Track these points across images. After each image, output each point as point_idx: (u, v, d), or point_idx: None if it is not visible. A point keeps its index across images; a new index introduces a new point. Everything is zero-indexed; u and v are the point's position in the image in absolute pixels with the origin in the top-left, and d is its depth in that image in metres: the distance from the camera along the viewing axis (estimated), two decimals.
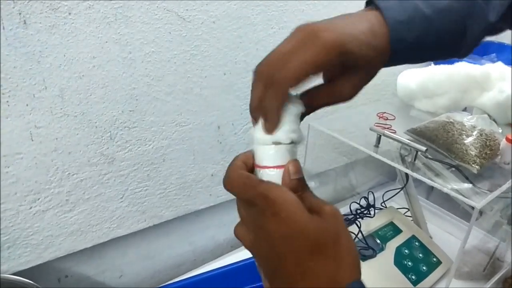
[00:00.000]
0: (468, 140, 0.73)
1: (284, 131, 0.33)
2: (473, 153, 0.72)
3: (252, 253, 0.34)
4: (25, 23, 0.54)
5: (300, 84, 0.33)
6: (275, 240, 0.30)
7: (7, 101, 0.57)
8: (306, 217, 0.30)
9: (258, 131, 0.34)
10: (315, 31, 0.33)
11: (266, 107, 0.33)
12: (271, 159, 0.34)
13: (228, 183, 0.33)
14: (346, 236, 0.31)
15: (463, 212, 1.05)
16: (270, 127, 0.34)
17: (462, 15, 0.35)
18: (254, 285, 0.79)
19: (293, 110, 0.34)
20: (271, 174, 0.33)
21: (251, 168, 0.35)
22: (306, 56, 0.32)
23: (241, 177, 0.33)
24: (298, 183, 0.33)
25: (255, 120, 0.35)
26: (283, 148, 0.34)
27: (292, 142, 0.34)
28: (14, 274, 0.65)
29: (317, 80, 0.36)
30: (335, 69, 0.35)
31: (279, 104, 0.33)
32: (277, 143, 0.34)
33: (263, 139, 0.34)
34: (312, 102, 0.36)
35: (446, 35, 0.36)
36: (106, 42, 0.62)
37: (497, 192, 0.68)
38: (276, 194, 0.30)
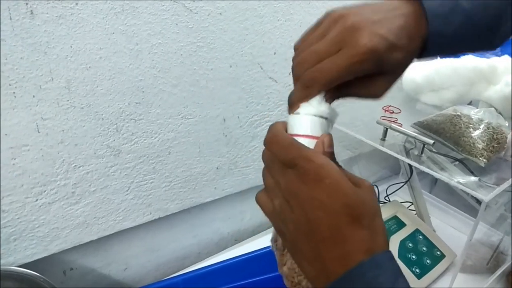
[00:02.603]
0: (476, 133, 0.73)
1: (315, 105, 0.34)
2: (480, 146, 0.72)
3: (273, 220, 0.35)
4: (32, 13, 0.54)
5: (331, 86, 0.34)
6: (314, 206, 0.30)
7: (14, 92, 0.56)
8: (350, 186, 0.31)
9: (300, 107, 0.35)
10: (352, 31, 0.33)
11: (293, 100, 0.36)
12: (302, 128, 0.34)
13: (273, 141, 0.33)
14: (380, 210, 0.32)
15: (466, 205, 1.05)
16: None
17: (498, 10, 0.36)
18: (259, 278, 0.79)
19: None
20: (301, 142, 0.34)
21: None
22: (341, 61, 0.33)
23: (287, 137, 0.33)
24: (332, 158, 0.34)
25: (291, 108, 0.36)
26: (315, 119, 0.34)
27: (322, 117, 0.35)
28: (20, 266, 0.65)
29: None
30: (365, 74, 0.35)
31: (307, 99, 0.35)
32: (308, 114, 0.34)
33: (297, 111, 0.35)
34: (341, 91, 0.36)
35: (482, 30, 0.36)
36: (113, 33, 0.61)
37: (504, 186, 0.68)
38: (323, 160, 0.31)
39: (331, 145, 0.34)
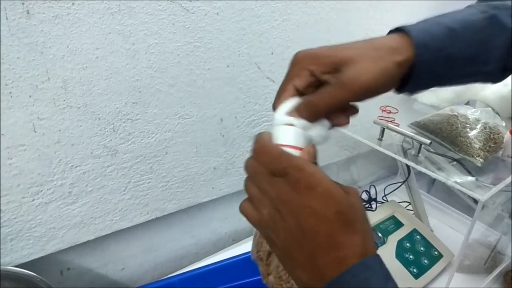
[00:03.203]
0: (472, 133, 0.73)
1: (285, 108, 0.36)
2: (477, 146, 0.72)
3: (261, 229, 0.35)
4: (28, 13, 0.54)
5: (288, 98, 0.38)
6: (307, 214, 0.31)
7: (10, 92, 0.56)
8: (341, 193, 0.31)
9: (278, 112, 0.37)
10: (295, 54, 0.37)
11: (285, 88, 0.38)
12: (287, 138, 0.35)
13: (262, 151, 0.34)
14: (367, 217, 0.33)
15: (464, 205, 1.05)
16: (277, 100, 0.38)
17: (482, 24, 0.37)
18: (256, 278, 0.79)
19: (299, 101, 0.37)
20: (286, 150, 0.34)
21: None
22: (285, 76, 0.37)
23: (276, 147, 0.34)
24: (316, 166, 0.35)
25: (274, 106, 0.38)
26: (300, 131, 0.35)
27: (306, 129, 0.36)
28: (16, 266, 0.65)
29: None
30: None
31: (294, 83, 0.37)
32: (289, 124, 0.35)
33: (279, 120, 0.36)
34: (316, 100, 0.37)
35: (470, 45, 0.37)
36: (110, 33, 0.61)
37: (501, 185, 0.68)
38: (314, 168, 0.32)
39: (315, 156, 0.35)
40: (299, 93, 0.37)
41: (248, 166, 0.35)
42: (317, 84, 0.37)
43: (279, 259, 0.35)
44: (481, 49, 0.37)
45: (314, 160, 0.35)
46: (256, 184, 0.34)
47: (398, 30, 0.38)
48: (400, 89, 0.39)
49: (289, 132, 0.35)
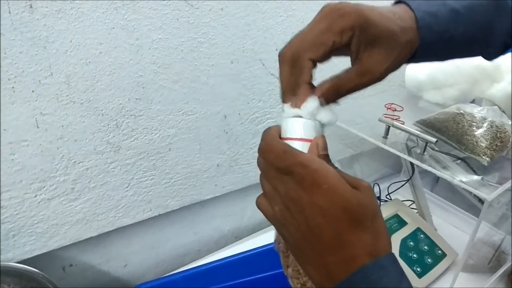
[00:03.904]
0: (479, 132, 0.72)
1: (309, 107, 0.34)
2: (483, 144, 0.71)
3: (275, 224, 0.34)
4: (31, 7, 0.53)
5: (323, 55, 0.33)
6: (315, 212, 0.30)
7: (13, 87, 0.56)
8: (348, 189, 0.30)
9: (287, 105, 0.35)
10: (336, 5, 0.33)
11: (292, 83, 0.35)
12: (295, 131, 0.34)
13: (264, 150, 0.33)
14: (380, 211, 0.32)
15: (468, 204, 1.04)
16: (296, 101, 0.35)
17: (488, 8, 0.37)
18: (259, 276, 0.79)
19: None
20: (297, 146, 0.33)
21: None
22: (322, 26, 0.33)
23: (281, 144, 0.33)
24: (326, 159, 0.33)
25: (284, 102, 0.36)
26: (308, 122, 0.34)
27: (317, 120, 0.35)
28: (19, 262, 0.64)
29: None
30: (357, 44, 0.34)
31: (303, 78, 0.34)
32: (299, 116, 0.34)
33: (288, 113, 0.35)
34: (341, 84, 0.36)
35: (474, 29, 0.37)
36: (113, 28, 0.61)
37: (507, 185, 0.67)
38: (319, 164, 0.31)
39: (325, 147, 0.34)
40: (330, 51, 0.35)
41: (259, 163, 0.35)
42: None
43: (293, 254, 0.35)
44: (484, 32, 0.37)
45: (324, 152, 0.34)
46: (268, 180, 0.34)
47: (403, 2, 0.37)
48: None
49: (297, 124, 0.34)
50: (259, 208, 0.35)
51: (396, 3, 0.38)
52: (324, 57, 0.34)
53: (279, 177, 0.32)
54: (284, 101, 0.36)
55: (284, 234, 0.34)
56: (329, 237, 0.30)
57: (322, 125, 0.35)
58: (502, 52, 0.41)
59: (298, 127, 0.34)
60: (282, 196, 0.32)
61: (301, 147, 0.33)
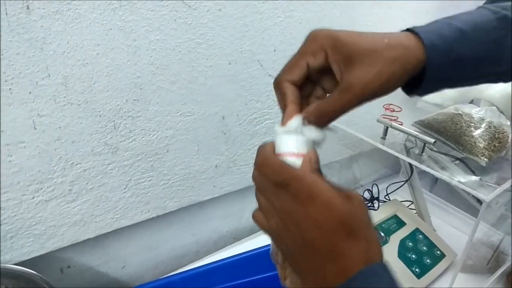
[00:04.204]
0: (477, 132, 0.72)
1: (292, 124, 0.36)
2: (481, 145, 0.71)
3: (271, 237, 0.36)
4: (28, 8, 0.53)
5: (300, 77, 0.36)
6: (309, 225, 0.31)
7: (10, 89, 0.56)
8: (341, 202, 0.31)
9: (277, 124, 0.38)
10: (312, 32, 0.36)
11: (282, 105, 0.38)
12: (288, 146, 0.35)
13: (263, 164, 0.34)
14: (370, 220, 0.33)
15: (466, 205, 1.04)
16: (284, 119, 0.37)
17: (496, 25, 0.36)
18: (257, 277, 0.79)
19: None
20: (289, 161, 0.35)
21: None
22: (299, 51, 0.36)
23: (277, 160, 0.34)
24: (318, 173, 0.34)
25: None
26: (299, 138, 0.36)
27: (306, 134, 0.37)
28: (16, 264, 0.64)
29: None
30: (337, 63, 0.35)
31: (287, 99, 0.37)
32: (289, 132, 0.36)
33: (278, 130, 0.37)
34: (326, 105, 0.36)
35: (482, 46, 0.36)
36: (111, 29, 0.60)
37: (505, 185, 0.67)
38: (313, 178, 0.32)
39: (317, 161, 0.35)
40: (308, 72, 0.37)
41: (254, 178, 0.36)
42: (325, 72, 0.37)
43: (290, 265, 0.36)
44: (492, 49, 0.37)
45: (316, 165, 0.35)
46: (263, 195, 0.35)
47: (408, 30, 0.37)
48: (411, 91, 0.39)
49: (290, 140, 0.36)
50: (255, 221, 0.36)
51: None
52: (303, 78, 0.37)
53: (274, 191, 0.33)
54: (281, 79, 0.38)
55: (281, 247, 0.35)
56: (325, 249, 0.31)
57: (312, 142, 0.37)
58: None
59: (291, 142, 0.36)
60: (278, 210, 0.33)
61: (293, 162, 0.35)
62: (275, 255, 0.42)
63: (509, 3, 0.38)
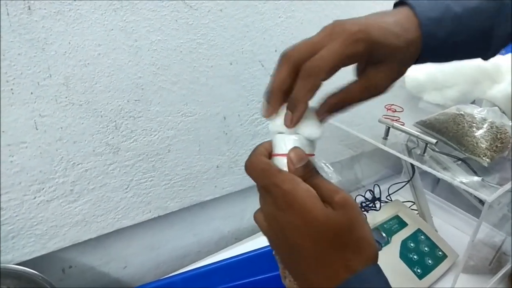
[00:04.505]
0: (479, 133, 0.72)
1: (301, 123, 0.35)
2: (483, 145, 0.71)
3: (267, 240, 0.35)
4: (29, 9, 0.53)
5: (330, 75, 0.33)
6: (289, 230, 0.31)
7: (11, 89, 0.56)
8: (318, 208, 0.30)
9: (278, 119, 0.35)
10: (342, 24, 0.33)
11: (297, 97, 0.33)
12: (280, 147, 0.34)
13: (248, 167, 0.34)
14: (360, 223, 0.31)
15: (468, 205, 1.04)
16: (295, 119, 0.34)
17: (490, 14, 0.37)
18: (258, 277, 0.79)
19: (311, 107, 0.35)
20: (282, 162, 0.34)
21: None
22: (335, 46, 0.32)
23: (261, 163, 0.33)
24: (304, 171, 0.33)
25: (268, 103, 0.35)
26: (288, 138, 0.34)
27: (300, 134, 0.35)
28: (18, 264, 0.64)
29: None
30: (365, 61, 0.35)
31: (310, 96, 0.33)
32: (280, 132, 0.35)
33: (276, 128, 0.35)
34: (347, 97, 0.36)
35: (476, 34, 0.38)
36: (112, 29, 0.61)
37: (508, 186, 0.67)
38: (289, 185, 0.31)
39: (299, 159, 0.33)
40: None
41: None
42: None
43: (285, 267, 0.36)
44: (485, 37, 0.38)
45: (299, 164, 0.33)
46: (260, 195, 0.35)
47: (404, 3, 0.38)
48: None
49: (281, 140, 0.35)
50: (255, 221, 0.36)
51: (398, 3, 0.39)
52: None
53: (263, 194, 0.33)
54: (264, 113, 0.35)
55: (274, 247, 0.35)
56: (308, 256, 0.31)
57: (310, 140, 0.35)
58: (498, 52, 0.42)
59: (282, 142, 0.34)
60: (266, 214, 0.33)
61: (284, 163, 0.34)
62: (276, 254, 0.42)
63: None
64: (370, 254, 0.31)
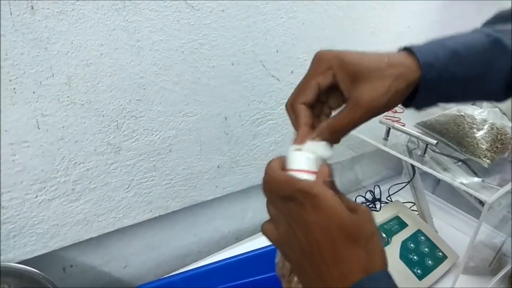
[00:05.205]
0: (479, 134, 0.72)
1: (309, 147, 0.38)
2: (484, 146, 0.71)
3: (279, 246, 0.38)
4: (32, 8, 0.53)
5: (312, 98, 0.39)
6: (313, 230, 0.33)
7: (14, 88, 0.56)
8: (344, 210, 0.33)
9: (292, 143, 0.40)
10: (319, 53, 0.38)
11: (296, 126, 0.40)
12: (299, 164, 0.38)
13: (270, 181, 0.36)
14: (377, 233, 0.35)
15: (469, 206, 1.04)
16: (297, 140, 0.39)
17: (486, 46, 0.38)
18: (259, 277, 0.79)
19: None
20: (298, 174, 0.37)
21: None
22: (308, 73, 0.39)
23: (283, 175, 0.36)
24: (331, 186, 0.36)
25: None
26: (310, 157, 0.38)
27: (315, 152, 0.39)
28: (19, 263, 0.65)
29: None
30: (344, 82, 0.37)
31: (300, 121, 0.39)
32: (300, 150, 0.38)
33: (291, 148, 0.39)
34: (336, 123, 0.38)
35: (474, 66, 0.38)
36: (114, 29, 0.61)
37: (508, 187, 0.67)
38: (318, 189, 0.33)
39: (330, 175, 0.37)
40: (319, 92, 0.39)
41: (264, 192, 0.38)
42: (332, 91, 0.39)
43: (295, 272, 0.38)
44: (484, 70, 0.39)
45: (329, 178, 0.36)
46: (273, 205, 0.37)
47: (405, 49, 0.39)
48: (406, 105, 0.41)
49: (300, 158, 0.38)
50: (264, 233, 0.38)
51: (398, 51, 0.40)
52: (315, 99, 0.39)
53: (283, 202, 0.35)
54: (294, 100, 0.40)
55: (288, 254, 0.36)
56: (326, 253, 0.32)
57: (322, 160, 0.39)
58: (508, 92, 0.41)
59: (301, 160, 0.38)
60: (286, 217, 0.35)
61: (305, 177, 0.37)
62: (280, 269, 0.43)
63: (502, 27, 0.40)
64: (384, 260, 0.34)
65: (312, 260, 0.33)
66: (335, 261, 0.32)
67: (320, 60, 0.38)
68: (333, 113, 0.41)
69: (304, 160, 0.38)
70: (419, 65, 0.37)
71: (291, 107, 0.40)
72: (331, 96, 0.40)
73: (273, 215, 0.37)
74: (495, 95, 0.41)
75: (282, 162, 0.38)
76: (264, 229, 0.38)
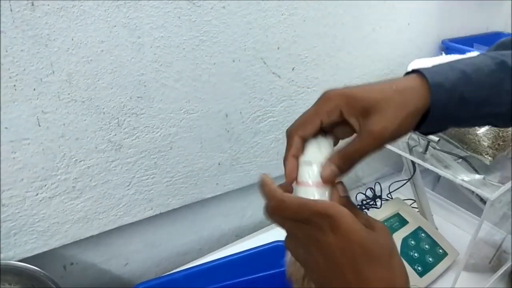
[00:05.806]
0: (481, 131, 0.72)
1: (317, 156, 0.38)
2: (485, 144, 0.71)
3: (302, 265, 0.37)
4: (32, 5, 0.53)
5: (311, 133, 0.39)
6: (334, 252, 0.32)
7: (14, 85, 0.56)
8: (363, 230, 0.33)
9: (308, 153, 0.39)
10: (325, 93, 0.38)
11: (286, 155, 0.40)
12: (311, 177, 0.37)
13: (281, 208, 0.35)
14: (396, 249, 0.34)
15: (469, 203, 1.04)
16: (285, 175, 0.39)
17: (494, 68, 0.38)
18: (259, 274, 0.79)
19: (325, 142, 0.39)
20: (309, 190, 0.37)
21: (284, 188, 0.38)
22: (312, 109, 0.39)
23: (294, 199, 0.35)
24: (346, 201, 0.36)
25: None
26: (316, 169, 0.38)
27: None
28: (19, 260, 0.64)
29: None
30: (354, 117, 0.37)
31: (290, 152, 0.39)
32: (309, 163, 0.38)
33: (304, 161, 0.39)
34: (349, 154, 0.38)
35: (483, 88, 0.38)
36: (115, 26, 0.60)
37: (509, 184, 0.67)
38: (335, 209, 0.33)
39: (345, 191, 0.37)
40: (321, 129, 0.39)
41: (271, 218, 0.36)
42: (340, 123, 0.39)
43: None
44: (492, 92, 0.39)
45: (344, 194, 0.37)
46: (287, 229, 0.36)
47: (414, 71, 0.39)
48: (419, 130, 0.41)
49: (311, 171, 0.37)
50: (287, 248, 0.38)
51: (407, 73, 0.40)
52: (313, 134, 0.39)
53: (297, 225, 0.35)
54: (293, 133, 0.40)
55: (309, 274, 0.36)
56: (349, 275, 0.32)
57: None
58: None
59: (310, 172, 0.37)
60: (302, 239, 0.35)
61: (312, 192, 0.37)
62: (291, 273, 0.43)
63: (508, 52, 0.40)
64: (405, 276, 0.34)
65: (334, 282, 0.33)
66: (358, 282, 0.32)
67: (327, 100, 0.38)
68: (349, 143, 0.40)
69: (310, 172, 0.38)
70: (428, 86, 0.37)
71: (288, 135, 0.40)
72: (337, 128, 0.40)
73: (290, 235, 0.37)
74: (503, 119, 0.41)
75: (273, 182, 0.37)
76: (288, 245, 0.38)
